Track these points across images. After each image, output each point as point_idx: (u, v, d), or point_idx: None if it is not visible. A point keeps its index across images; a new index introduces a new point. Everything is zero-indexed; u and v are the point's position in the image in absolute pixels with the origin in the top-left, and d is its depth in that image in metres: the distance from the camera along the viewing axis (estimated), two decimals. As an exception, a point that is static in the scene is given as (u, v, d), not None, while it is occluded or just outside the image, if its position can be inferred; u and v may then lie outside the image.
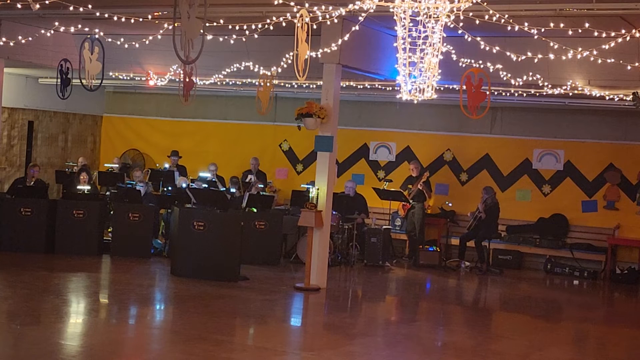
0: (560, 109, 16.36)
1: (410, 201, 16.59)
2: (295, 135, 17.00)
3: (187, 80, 14.29)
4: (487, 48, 11.32)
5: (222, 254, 12.90)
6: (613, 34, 10.57)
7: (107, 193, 16.93)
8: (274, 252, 14.99)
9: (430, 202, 17.04)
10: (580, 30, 10.31)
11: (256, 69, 14.55)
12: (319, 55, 12.05)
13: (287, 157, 19.24)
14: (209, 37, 11.38)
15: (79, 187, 15.70)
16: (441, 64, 9.27)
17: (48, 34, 14.45)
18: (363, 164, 18.47)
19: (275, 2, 10.34)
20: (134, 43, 13.67)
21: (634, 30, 10.39)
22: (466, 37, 11.27)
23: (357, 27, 11.56)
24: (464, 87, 11.98)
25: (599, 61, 11.26)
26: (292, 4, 10.52)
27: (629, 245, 16.09)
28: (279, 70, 13.80)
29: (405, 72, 9.07)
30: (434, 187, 17.27)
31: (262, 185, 17.05)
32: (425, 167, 17.22)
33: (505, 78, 12.72)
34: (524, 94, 14.71)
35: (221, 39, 13.18)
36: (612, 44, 10.73)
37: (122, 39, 13.90)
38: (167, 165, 18.32)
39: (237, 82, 16.68)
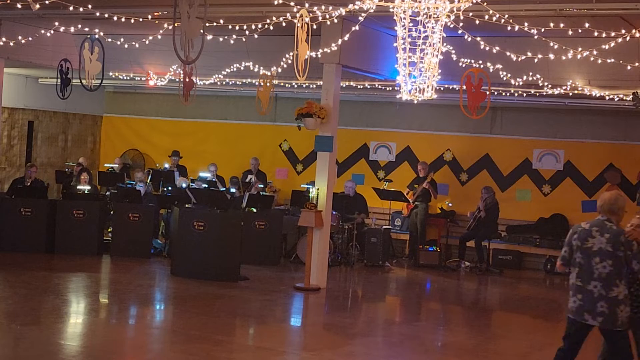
0: (560, 109, 16.36)
1: (410, 200, 16.58)
2: (295, 135, 16.99)
3: (187, 80, 14.29)
4: (487, 48, 11.32)
5: (222, 254, 12.90)
6: (613, 34, 10.57)
7: (107, 193, 16.93)
8: (274, 252, 14.99)
9: (437, 204, 17.02)
10: (580, 30, 10.31)
11: (256, 69, 14.55)
12: (319, 55, 12.06)
13: (287, 157, 19.24)
14: (209, 37, 11.38)
15: (79, 187, 15.71)
16: (441, 64, 9.27)
17: (48, 34, 14.44)
18: (363, 164, 18.46)
19: (275, 2, 10.34)
20: (134, 43, 13.67)
21: (634, 30, 10.39)
22: (466, 37, 11.27)
23: (357, 27, 11.56)
24: (464, 87, 11.99)
25: (599, 61, 11.26)
26: (292, 4, 10.52)
27: (629, 245, 16.06)
28: (279, 70, 13.80)
29: (405, 72, 9.08)
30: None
31: (262, 185, 17.05)
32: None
33: (505, 78, 12.73)
34: (524, 94, 14.71)
35: (221, 39, 13.18)
36: (612, 44, 10.73)
37: (122, 39, 13.89)
38: (167, 165, 18.32)
39: (237, 82, 16.68)
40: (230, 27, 12.05)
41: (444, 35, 9.29)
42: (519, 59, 11.56)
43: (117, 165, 18.49)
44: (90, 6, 11.67)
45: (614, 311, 6.69)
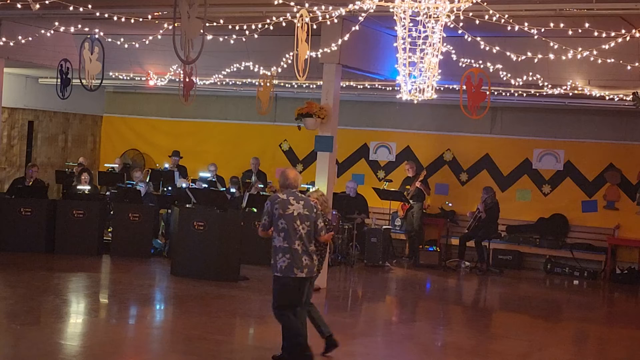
0: (560, 109, 16.36)
1: (410, 201, 16.58)
2: (295, 135, 16.99)
3: (187, 80, 14.29)
4: (487, 48, 11.32)
5: (222, 254, 12.89)
6: (613, 34, 10.57)
7: (107, 193, 16.93)
8: (274, 252, 14.94)
9: (429, 200, 17.01)
10: (580, 30, 10.31)
11: (256, 69, 14.55)
12: (319, 55, 12.05)
13: (287, 157, 19.24)
14: (209, 37, 11.37)
15: (79, 187, 15.70)
16: (441, 64, 9.28)
17: (48, 34, 14.43)
18: (363, 164, 18.47)
19: (275, 2, 10.34)
20: (134, 43, 13.67)
21: (634, 30, 10.39)
22: (466, 37, 11.27)
23: (357, 27, 11.56)
24: (464, 87, 11.99)
25: (599, 61, 11.26)
26: (292, 4, 10.52)
27: (628, 245, 16.09)
28: (279, 70, 13.80)
29: (405, 72, 9.08)
30: (434, 187, 17.30)
31: (262, 185, 17.05)
32: (425, 167, 17.23)
33: (505, 78, 12.73)
34: (524, 94, 14.71)
35: (221, 39, 13.18)
36: (612, 44, 10.73)
37: (122, 39, 13.89)
38: (167, 165, 18.32)
39: (237, 82, 16.67)
40: (230, 27, 12.04)
41: (444, 35, 9.29)
42: (519, 59, 11.56)
43: (117, 165, 18.50)
44: (90, 6, 11.67)
45: (312, 261, 8.15)
